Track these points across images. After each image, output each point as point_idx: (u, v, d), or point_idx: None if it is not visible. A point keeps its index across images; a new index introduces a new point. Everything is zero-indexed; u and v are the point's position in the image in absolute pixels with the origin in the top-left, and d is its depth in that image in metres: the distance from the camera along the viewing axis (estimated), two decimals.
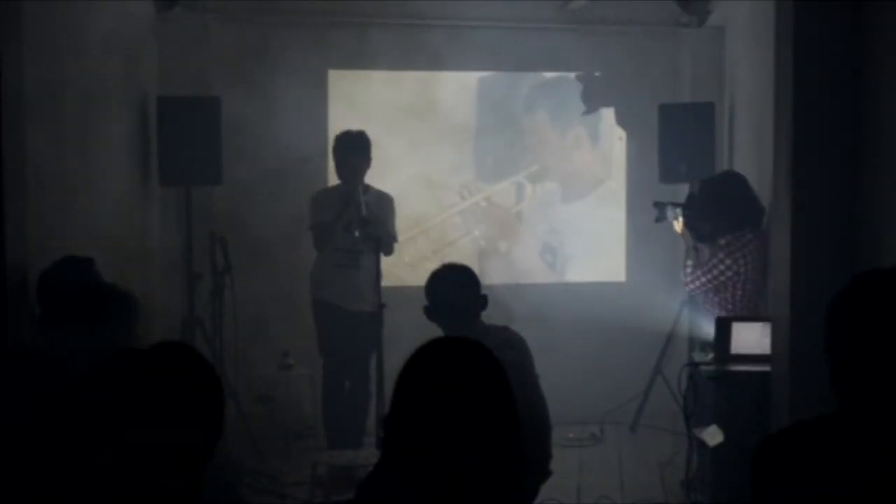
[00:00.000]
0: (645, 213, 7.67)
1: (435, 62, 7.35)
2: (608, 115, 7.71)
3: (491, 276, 6.97)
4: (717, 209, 5.56)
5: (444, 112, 7.49)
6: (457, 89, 7.53)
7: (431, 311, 4.23)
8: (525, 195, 7.65)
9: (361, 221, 5.98)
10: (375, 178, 6.42)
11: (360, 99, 7.40)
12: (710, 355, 5.02)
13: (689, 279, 5.69)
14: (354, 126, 6.44)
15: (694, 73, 7.66)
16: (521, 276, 7.46)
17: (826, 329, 2.01)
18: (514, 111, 7.51)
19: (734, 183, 5.71)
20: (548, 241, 7.64)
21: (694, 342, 6.60)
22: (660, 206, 5.94)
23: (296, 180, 7.09)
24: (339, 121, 7.15)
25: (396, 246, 6.45)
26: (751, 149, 6.89)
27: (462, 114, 7.54)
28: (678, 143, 7.03)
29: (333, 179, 6.91)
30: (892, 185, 3.84)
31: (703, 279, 5.62)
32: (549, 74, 7.52)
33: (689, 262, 5.75)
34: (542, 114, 7.54)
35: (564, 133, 7.56)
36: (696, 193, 5.87)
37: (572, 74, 7.57)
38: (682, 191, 7.35)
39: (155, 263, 6.54)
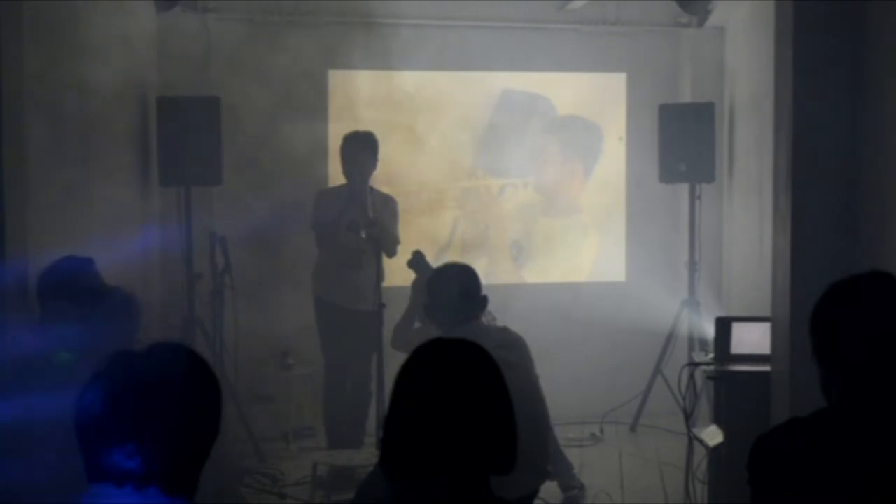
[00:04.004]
0: (645, 213, 7.70)
1: (434, 62, 7.35)
2: (605, 158, 7.81)
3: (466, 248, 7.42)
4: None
5: (448, 112, 7.49)
6: (461, 91, 7.53)
7: (432, 310, 4.23)
8: (515, 196, 7.75)
9: (369, 224, 5.98)
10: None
11: (360, 99, 7.40)
12: (710, 355, 5.03)
13: None
14: (354, 126, 6.44)
15: (694, 73, 7.66)
16: (488, 256, 7.72)
17: (810, 337, 2.07)
18: (531, 128, 7.68)
19: None
20: (518, 239, 7.79)
21: (694, 342, 6.61)
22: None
23: (296, 180, 7.09)
24: (339, 121, 7.16)
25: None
26: (751, 149, 6.90)
27: (468, 115, 7.55)
28: (678, 143, 7.04)
29: (334, 179, 6.92)
30: (891, 184, 3.84)
31: None
32: (566, 112, 7.74)
33: None
34: (554, 140, 7.76)
35: (565, 163, 7.81)
36: None
37: (587, 116, 7.76)
38: (683, 190, 7.36)
39: (155, 263, 6.54)
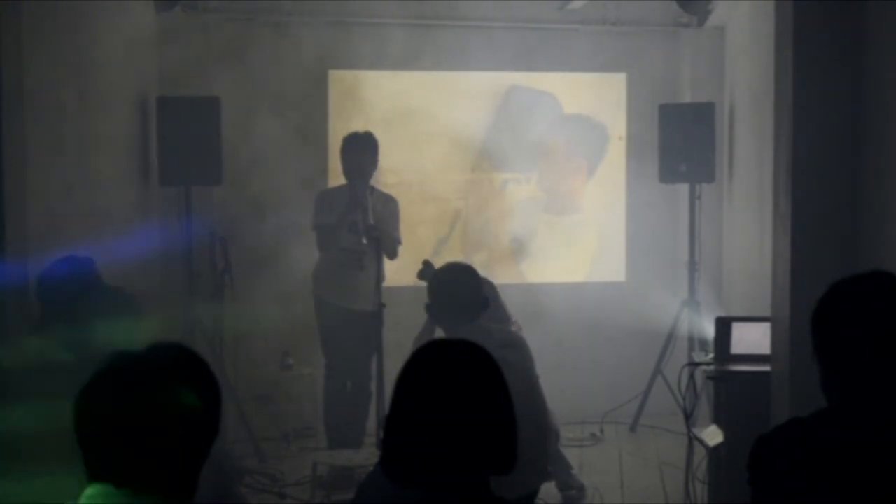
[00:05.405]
0: (645, 213, 7.70)
1: (434, 62, 7.35)
2: (610, 156, 7.81)
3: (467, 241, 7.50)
4: None
5: (449, 112, 7.49)
6: (460, 89, 7.53)
7: (433, 309, 4.24)
8: (517, 191, 7.75)
9: (369, 228, 5.98)
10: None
11: (360, 99, 7.40)
12: (710, 355, 5.03)
13: None
14: (354, 126, 6.45)
15: (694, 73, 7.66)
16: (488, 249, 7.70)
17: (812, 336, 2.07)
18: (537, 124, 7.67)
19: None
20: (518, 234, 7.76)
21: (694, 342, 6.61)
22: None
23: (295, 180, 7.09)
24: (339, 121, 7.17)
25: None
26: (751, 149, 6.90)
27: (469, 114, 7.54)
28: (678, 143, 7.04)
29: (333, 179, 6.93)
30: (892, 185, 3.84)
31: None
32: (572, 111, 7.76)
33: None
34: (559, 138, 7.75)
35: (570, 160, 7.80)
36: None
37: (593, 116, 7.76)
38: (683, 190, 7.37)
39: (155, 263, 6.53)
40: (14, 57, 3.97)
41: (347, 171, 6.24)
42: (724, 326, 4.94)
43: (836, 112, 4.05)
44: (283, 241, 6.96)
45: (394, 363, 2.44)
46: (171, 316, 6.39)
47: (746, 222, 6.97)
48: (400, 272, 6.84)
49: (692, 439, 5.03)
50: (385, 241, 6.10)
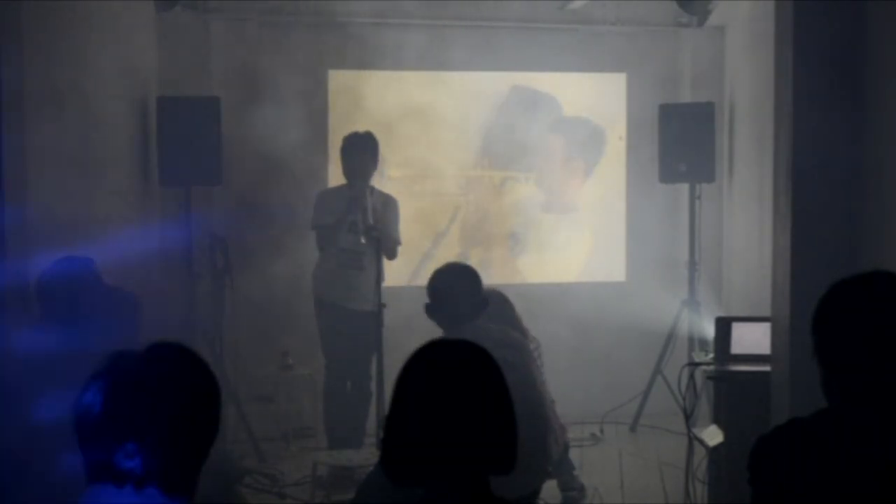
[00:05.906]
0: (645, 213, 7.70)
1: (435, 62, 7.35)
2: (605, 158, 7.82)
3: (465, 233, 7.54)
4: None
5: (450, 111, 7.49)
6: (461, 89, 7.53)
7: (432, 310, 4.24)
8: (515, 189, 7.76)
9: (368, 228, 5.98)
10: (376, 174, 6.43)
11: (360, 99, 7.40)
12: (710, 355, 5.03)
13: None
14: (354, 126, 6.45)
15: (694, 73, 7.66)
16: (485, 245, 7.74)
17: (812, 336, 2.08)
18: (537, 125, 7.67)
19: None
20: (516, 230, 7.76)
21: (694, 342, 6.61)
22: None
23: (295, 180, 7.09)
24: (339, 121, 7.17)
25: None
26: (751, 149, 6.90)
27: (470, 113, 7.55)
28: (678, 143, 7.05)
29: (333, 179, 6.93)
30: (892, 185, 3.84)
31: None
32: (571, 111, 7.74)
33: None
34: (559, 139, 7.76)
35: (568, 161, 7.80)
36: None
37: (592, 117, 7.76)
38: (683, 190, 7.37)
39: (155, 263, 6.53)
40: (14, 57, 3.97)
41: (347, 171, 6.24)
42: (724, 326, 4.94)
43: (837, 112, 4.05)
44: (283, 241, 6.96)
45: (394, 363, 2.44)
46: (171, 316, 6.40)
47: (746, 222, 6.98)
48: (400, 272, 6.85)
49: (692, 439, 5.03)
50: (384, 242, 6.10)
